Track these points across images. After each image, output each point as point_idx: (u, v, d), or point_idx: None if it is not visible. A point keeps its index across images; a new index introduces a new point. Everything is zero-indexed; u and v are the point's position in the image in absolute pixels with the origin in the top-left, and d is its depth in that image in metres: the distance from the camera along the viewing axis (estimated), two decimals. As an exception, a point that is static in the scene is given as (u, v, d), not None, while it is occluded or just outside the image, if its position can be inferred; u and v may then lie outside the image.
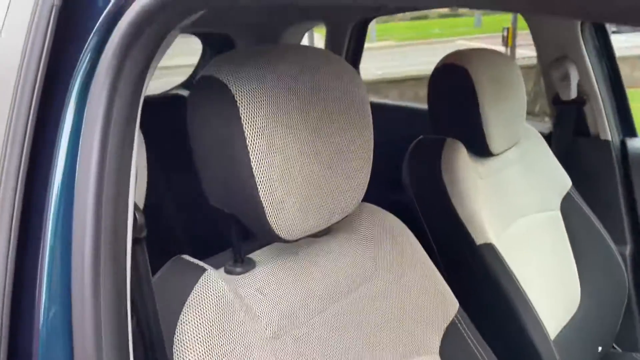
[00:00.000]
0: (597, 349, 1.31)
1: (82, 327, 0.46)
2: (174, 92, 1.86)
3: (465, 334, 0.88)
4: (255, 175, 0.64)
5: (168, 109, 1.34)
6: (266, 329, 0.69)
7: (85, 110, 0.46)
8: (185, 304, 0.63)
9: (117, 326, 0.48)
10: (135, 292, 0.55)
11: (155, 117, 1.40)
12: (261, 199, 0.64)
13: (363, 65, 2.04)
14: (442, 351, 0.85)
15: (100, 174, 0.46)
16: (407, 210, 1.10)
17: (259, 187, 0.64)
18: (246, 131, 0.63)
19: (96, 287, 0.46)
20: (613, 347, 1.43)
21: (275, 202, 0.65)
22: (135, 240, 0.51)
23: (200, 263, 0.69)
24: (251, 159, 0.63)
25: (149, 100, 1.83)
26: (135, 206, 0.51)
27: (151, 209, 1.34)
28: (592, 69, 1.48)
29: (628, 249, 1.46)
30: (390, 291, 0.83)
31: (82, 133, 0.46)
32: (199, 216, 1.23)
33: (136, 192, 0.52)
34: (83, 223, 0.46)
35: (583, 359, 1.26)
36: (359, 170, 0.75)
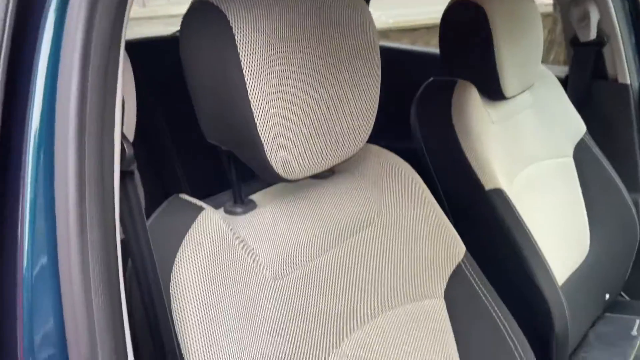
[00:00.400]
0: (605, 297, 1.30)
1: (68, 268, 0.44)
2: (176, 34, 1.80)
3: (471, 278, 0.86)
4: (252, 108, 0.60)
5: (168, 50, 1.30)
6: (267, 270, 0.67)
7: (64, 29, 0.42)
8: (183, 243, 0.61)
9: (106, 265, 0.45)
10: (127, 228, 0.53)
11: (155, 58, 1.36)
12: (260, 134, 0.61)
13: (373, 13, 1.95)
14: (447, 295, 0.84)
15: (81, 101, 0.43)
16: (415, 159, 1.07)
17: (257, 122, 0.61)
18: (243, 60, 0.59)
19: (82, 224, 0.44)
20: (620, 294, 1.42)
21: (275, 138, 0.62)
22: (124, 174, 0.49)
23: (199, 202, 0.67)
24: (248, 91, 0.60)
25: (150, 43, 1.78)
26: (123, 137, 0.48)
27: (150, 149, 1.32)
28: (614, 9, 1.40)
29: (641, 197, 1.43)
30: (396, 234, 0.81)
31: (60, 56, 0.42)
32: (199, 157, 1.21)
33: (125, 122, 0.49)
34: (65, 155, 0.43)
35: (590, 306, 1.26)
36: (364, 109, 0.72)
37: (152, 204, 0.68)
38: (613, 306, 1.33)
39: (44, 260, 0.46)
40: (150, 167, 1.25)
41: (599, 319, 1.29)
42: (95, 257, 0.43)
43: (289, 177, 0.66)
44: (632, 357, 1.14)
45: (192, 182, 1.27)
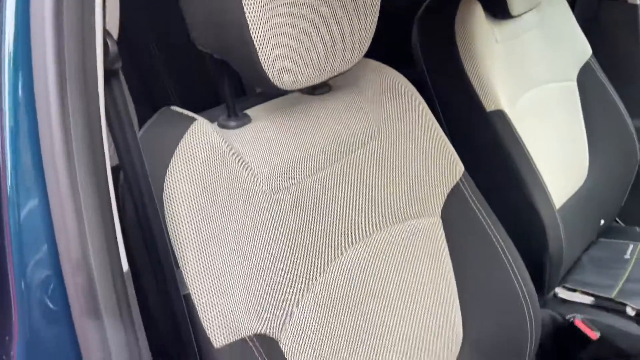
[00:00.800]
0: (600, 222, 1.31)
1: (55, 178, 0.42)
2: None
3: (469, 198, 0.86)
4: (245, 10, 0.57)
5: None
6: (263, 184, 0.66)
7: None
8: (175, 153, 0.59)
9: (94, 172, 0.43)
10: (116, 134, 0.51)
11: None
12: (253, 38, 0.58)
13: None
14: (444, 214, 0.83)
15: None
16: (416, 83, 1.04)
17: (250, 25, 0.57)
18: None
19: (66, 128, 0.41)
20: (616, 220, 1.43)
21: (269, 43, 0.59)
22: (108, 73, 0.46)
23: (190, 113, 0.64)
24: None
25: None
26: (106, 32, 0.45)
27: (138, 66, 1.27)
28: None
29: (643, 123, 1.40)
30: (394, 151, 0.79)
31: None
32: (190, 71, 1.17)
33: (107, 17, 0.45)
34: (43, 48, 0.40)
35: (585, 231, 1.26)
36: (363, 21, 0.69)
37: (141, 122, 0.66)
38: (607, 232, 1.34)
39: (28, 168, 0.44)
40: (139, 85, 1.21)
41: (593, 244, 1.30)
42: (80, 154, 0.41)
43: (284, 86, 0.63)
44: (624, 279, 1.15)
45: (183, 100, 1.23)
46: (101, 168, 0.43)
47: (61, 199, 0.41)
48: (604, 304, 1.10)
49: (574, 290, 1.15)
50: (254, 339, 0.58)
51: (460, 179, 0.85)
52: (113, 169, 0.49)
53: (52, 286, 0.46)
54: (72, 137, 0.40)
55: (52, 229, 0.43)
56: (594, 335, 1.01)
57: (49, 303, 0.46)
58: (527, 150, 1.07)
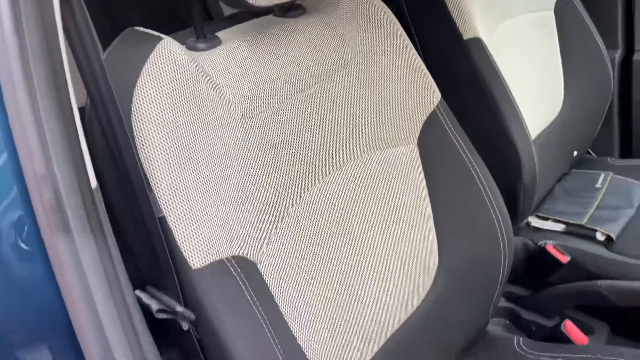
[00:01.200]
0: (573, 154, 1.32)
1: (12, 87, 0.40)
2: None
3: (445, 125, 0.85)
4: None
5: None
6: (235, 108, 0.64)
7: None
8: (142, 73, 0.56)
9: (53, 79, 0.41)
10: (77, 51, 0.48)
11: None
12: None
13: None
14: (421, 141, 0.83)
15: None
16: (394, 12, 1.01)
17: None
18: None
19: (22, 50, 0.39)
20: (588, 152, 1.45)
21: None
22: None
23: (156, 33, 0.61)
24: None
25: None
26: None
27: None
28: None
29: (618, 54, 1.40)
30: (370, 77, 0.78)
31: None
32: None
33: None
34: None
35: (559, 161, 1.28)
36: None
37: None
38: (580, 163, 1.36)
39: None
40: (99, 10, 1.15)
41: (566, 175, 1.32)
42: (37, 61, 0.38)
43: (254, 1, 0.60)
44: (595, 206, 1.18)
45: (145, 21, 1.17)
46: (60, 77, 0.40)
47: (19, 110, 0.39)
48: (575, 231, 1.13)
49: (546, 219, 1.17)
50: (232, 261, 0.58)
51: (437, 106, 0.85)
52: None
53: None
54: (26, 42, 0.38)
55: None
56: (564, 258, 1.04)
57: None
58: (504, 80, 1.06)
